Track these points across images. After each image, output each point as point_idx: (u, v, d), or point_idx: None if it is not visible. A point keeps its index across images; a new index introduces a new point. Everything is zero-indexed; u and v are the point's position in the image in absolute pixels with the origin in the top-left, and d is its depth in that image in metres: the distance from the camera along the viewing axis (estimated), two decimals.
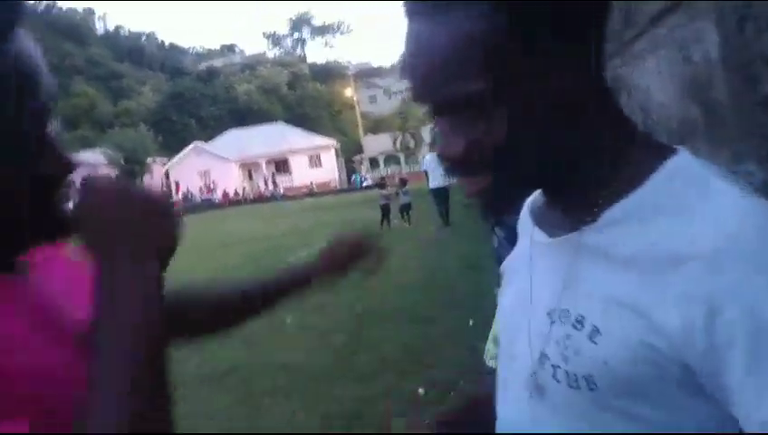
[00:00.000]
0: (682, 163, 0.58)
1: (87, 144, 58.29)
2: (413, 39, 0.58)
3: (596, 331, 0.57)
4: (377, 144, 49.18)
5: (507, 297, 0.76)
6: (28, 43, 0.65)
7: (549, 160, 0.59)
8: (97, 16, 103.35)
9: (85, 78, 77.29)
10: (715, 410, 0.52)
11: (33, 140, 0.63)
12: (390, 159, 48.01)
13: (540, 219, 0.70)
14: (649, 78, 1.00)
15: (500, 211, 0.68)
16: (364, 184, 38.20)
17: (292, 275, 1.06)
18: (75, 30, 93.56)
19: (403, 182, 13.97)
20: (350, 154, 51.44)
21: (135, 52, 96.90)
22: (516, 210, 0.79)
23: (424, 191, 13.05)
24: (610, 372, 0.55)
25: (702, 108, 0.79)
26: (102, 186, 0.60)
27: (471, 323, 4.70)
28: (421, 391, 3.69)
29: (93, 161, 47.62)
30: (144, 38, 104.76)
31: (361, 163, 48.87)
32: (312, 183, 43.43)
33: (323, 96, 67.93)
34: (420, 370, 4.09)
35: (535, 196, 0.76)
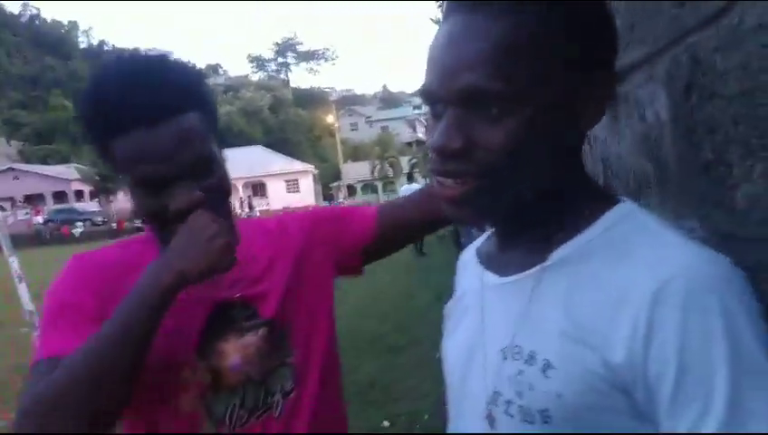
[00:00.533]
0: (626, 211, 0.63)
1: (62, 158, 57.22)
2: (447, 32, 0.60)
3: (548, 365, 0.59)
4: (355, 171, 49.39)
5: (455, 339, 0.78)
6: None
7: (533, 181, 0.62)
8: (81, 30, 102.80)
9: (64, 91, 76.19)
10: None
11: None
12: (368, 186, 48.21)
13: (489, 262, 0.73)
14: (608, 131, 1.05)
15: (473, 219, 0.68)
16: None
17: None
18: (59, 43, 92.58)
19: None
20: (328, 180, 51.50)
21: None
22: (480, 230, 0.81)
23: None
24: (564, 404, 0.57)
25: (653, 164, 0.84)
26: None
27: (438, 355, 4.70)
28: (386, 423, 3.66)
29: (66, 176, 46.75)
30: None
31: (339, 190, 48.91)
32: (288, 207, 43.26)
33: (305, 121, 68.15)
34: (387, 401, 4.06)
35: (481, 241, 0.79)
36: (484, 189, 0.61)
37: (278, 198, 45.62)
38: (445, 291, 0.86)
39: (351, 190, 49.13)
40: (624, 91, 0.94)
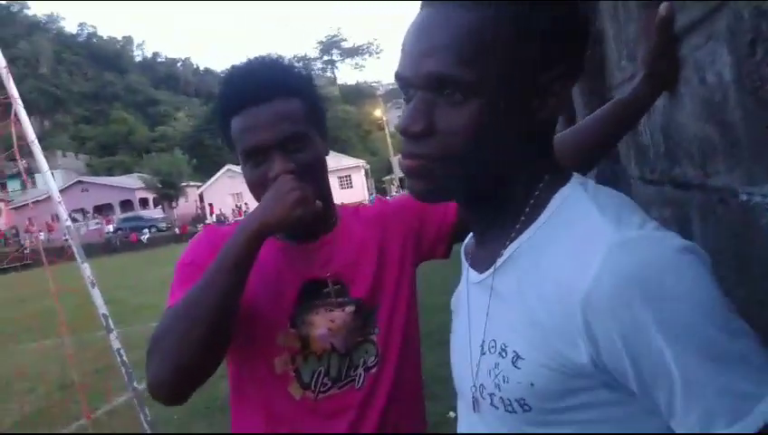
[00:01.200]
0: (568, 192, 0.64)
1: (125, 169, 59.89)
2: (418, 22, 0.64)
3: (517, 356, 0.62)
4: None
5: (453, 335, 0.82)
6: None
7: (488, 166, 0.64)
8: (135, 44, 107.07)
9: (123, 105, 79.69)
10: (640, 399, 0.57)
11: None
12: None
13: (473, 259, 0.77)
14: (666, 99, 0.99)
15: (428, 194, 0.69)
16: None
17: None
18: (115, 58, 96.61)
19: None
20: (380, 174, 51.72)
21: (171, 78, 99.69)
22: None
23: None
24: (538, 392, 0.60)
25: (718, 129, 0.79)
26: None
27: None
28: (452, 414, 3.65)
29: (131, 185, 48.96)
30: (180, 64, 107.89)
31: (392, 183, 49.01)
32: (342, 203, 43.66)
33: (353, 117, 68.65)
34: (448, 395, 4.04)
35: (469, 237, 0.83)
36: (440, 169, 0.64)
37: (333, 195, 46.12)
38: None
39: (404, 183, 49.06)
40: (681, 56, 0.89)
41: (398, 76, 0.66)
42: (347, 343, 1.09)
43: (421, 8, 0.65)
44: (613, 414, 0.58)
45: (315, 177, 1.07)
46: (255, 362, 1.09)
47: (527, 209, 0.66)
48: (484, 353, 0.67)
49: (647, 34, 0.97)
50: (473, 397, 0.69)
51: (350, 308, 1.10)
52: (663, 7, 0.88)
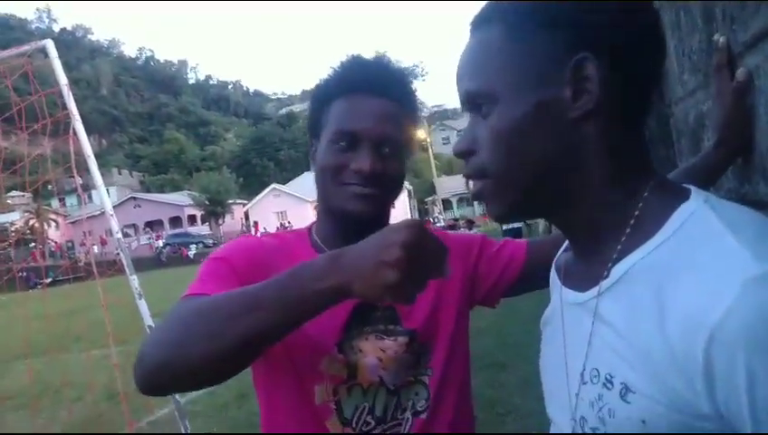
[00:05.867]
0: (694, 207, 0.56)
1: (176, 186, 61.88)
2: (462, 52, 0.68)
3: (627, 389, 0.55)
4: (450, 185, 49.20)
5: (545, 356, 0.76)
6: None
7: (532, 180, 0.62)
8: (189, 67, 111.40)
9: (176, 125, 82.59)
10: None
11: None
12: (463, 200, 47.77)
13: (567, 276, 0.71)
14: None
15: (498, 216, 0.68)
16: (437, 225, 38.14)
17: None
18: (170, 80, 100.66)
19: (470, 223, 14.15)
20: (423, 195, 51.69)
21: (222, 99, 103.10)
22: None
23: (497, 232, 12.85)
24: (651, 429, 0.53)
25: None
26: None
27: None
28: None
29: (180, 202, 50.50)
30: (231, 86, 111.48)
31: (434, 204, 48.88)
32: None
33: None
34: (492, 420, 3.93)
35: (563, 251, 0.76)
36: (489, 186, 0.64)
37: None
38: (548, 301, 0.80)
39: (447, 204, 48.94)
40: (753, 65, 0.83)
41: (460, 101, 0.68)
42: (397, 378, 0.98)
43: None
44: None
45: (392, 189, 1.03)
46: (291, 388, 0.97)
47: (632, 221, 0.60)
48: (584, 383, 0.61)
49: (720, 100, 0.91)
50: (572, 430, 0.63)
51: (402, 339, 0.99)
52: (741, 73, 0.83)
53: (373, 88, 1.00)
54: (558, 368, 0.68)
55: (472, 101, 0.65)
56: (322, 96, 1.04)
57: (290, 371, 0.96)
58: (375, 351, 0.97)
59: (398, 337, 0.99)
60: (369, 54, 1.19)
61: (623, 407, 0.55)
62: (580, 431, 0.61)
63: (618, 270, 0.58)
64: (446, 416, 1.00)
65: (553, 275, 0.76)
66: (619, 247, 0.59)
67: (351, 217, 0.97)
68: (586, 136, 0.60)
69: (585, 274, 0.64)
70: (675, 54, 1.34)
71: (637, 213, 0.60)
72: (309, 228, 1.11)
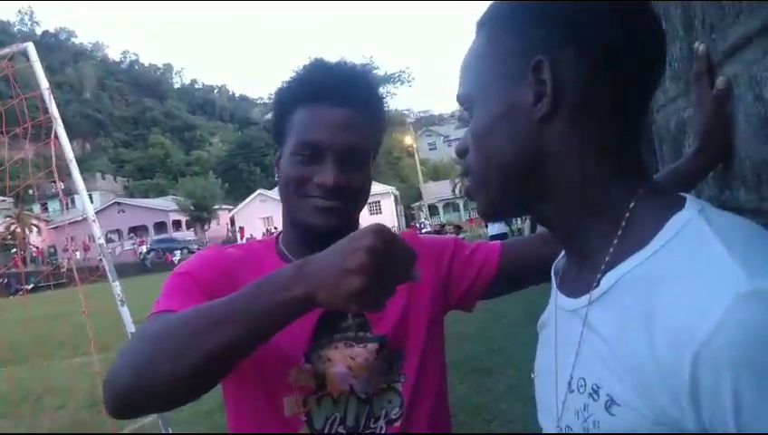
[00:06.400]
0: (688, 217, 0.55)
1: (161, 191, 61.33)
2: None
3: (612, 401, 0.54)
4: (436, 191, 49.33)
5: (539, 360, 0.76)
6: None
7: (506, 180, 0.64)
8: (175, 71, 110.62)
9: (161, 129, 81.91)
10: None
11: None
12: (450, 205, 47.93)
13: (562, 281, 0.71)
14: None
15: (481, 213, 0.71)
16: (423, 231, 38.17)
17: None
18: (155, 84, 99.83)
19: (458, 228, 14.25)
20: (409, 201, 51.75)
21: (208, 104, 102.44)
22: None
23: (484, 238, 12.90)
24: None
25: None
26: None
27: (533, 375, 4.52)
28: None
29: (165, 207, 50.07)
30: (216, 90, 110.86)
31: (421, 210, 48.97)
32: None
33: (383, 144, 68.95)
34: (477, 424, 3.93)
35: (562, 255, 0.76)
36: (472, 184, 0.68)
37: (361, 221, 46.27)
38: (535, 309, 0.80)
39: (433, 210, 49.04)
40: (732, 74, 0.84)
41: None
42: (369, 386, 0.96)
43: None
44: None
45: (357, 201, 1.01)
46: (260, 401, 0.95)
47: (623, 224, 0.59)
48: (571, 391, 0.60)
49: (701, 107, 0.92)
50: None
51: (372, 346, 0.97)
52: (720, 81, 0.84)
53: (336, 97, 0.97)
54: (549, 374, 0.68)
55: (462, 104, 0.68)
56: (285, 103, 1.01)
57: (258, 383, 0.94)
58: (344, 359, 0.95)
59: (368, 344, 0.97)
60: (358, 60, 1.17)
61: (608, 419, 0.54)
62: None
63: (608, 279, 0.57)
64: (421, 423, 0.98)
65: (552, 278, 0.76)
66: (610, 252, 0.58)
67: (315, 229, 0.96)
68: (551, 137, 0.60)
69: (577, 279, 0.64)
70: None
71: (628, 215, 0.59)
72: (276, 237, 1.09)
